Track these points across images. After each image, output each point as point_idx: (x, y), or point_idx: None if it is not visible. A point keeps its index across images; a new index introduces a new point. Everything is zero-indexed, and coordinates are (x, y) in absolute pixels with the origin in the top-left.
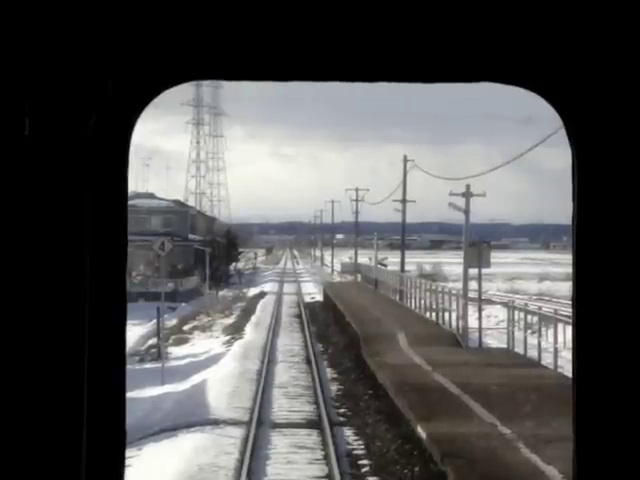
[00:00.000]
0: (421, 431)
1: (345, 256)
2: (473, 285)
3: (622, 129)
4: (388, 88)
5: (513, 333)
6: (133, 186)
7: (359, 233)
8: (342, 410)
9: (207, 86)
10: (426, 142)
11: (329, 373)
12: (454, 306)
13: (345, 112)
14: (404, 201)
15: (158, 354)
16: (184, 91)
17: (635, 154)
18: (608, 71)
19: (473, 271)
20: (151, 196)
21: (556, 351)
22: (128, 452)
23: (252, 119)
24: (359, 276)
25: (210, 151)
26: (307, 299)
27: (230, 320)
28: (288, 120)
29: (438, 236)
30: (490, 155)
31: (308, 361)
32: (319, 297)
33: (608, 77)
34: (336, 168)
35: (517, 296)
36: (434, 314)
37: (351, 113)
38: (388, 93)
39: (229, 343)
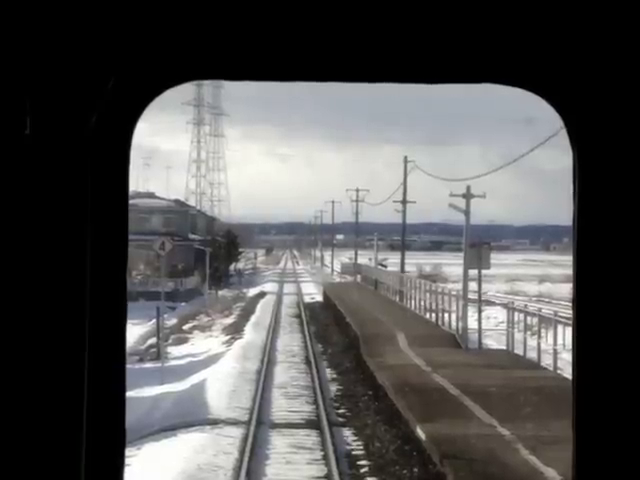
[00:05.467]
0: (420, 432)
1: (345, 257)
2: (473, 286)
3: (623, 129)
4: (387, 88)
5: (513, 334)
6: (134, 185)
7: (359, 234)
8: (341, 411)
9: (208, 86)
10: (425, 143)
11: (329, 373)
12: (454, 307)
13: (343, 112)
14: (404, 202)
15: (158, 354)
16: (185, 91)
17: (636, 154)
18: (609, 71)
19: (473, 272)
20: (151, 196)
21: (555, 353)
22: (127, 451)
23: (252, 119)
24: (359, 277)
25: (211, 151)
26: (307, 299)
27: (230, 320)
28: (287, 120)
29: (438, 237)
30: (489, 157)
31: (308, 361)
32: (319, 297)
33: (609, 77)
34: (336, 169)
35: (517, 297)
36: (434, 315)
37: (349, 113)
38: (387, 93)
39: (229, 343)
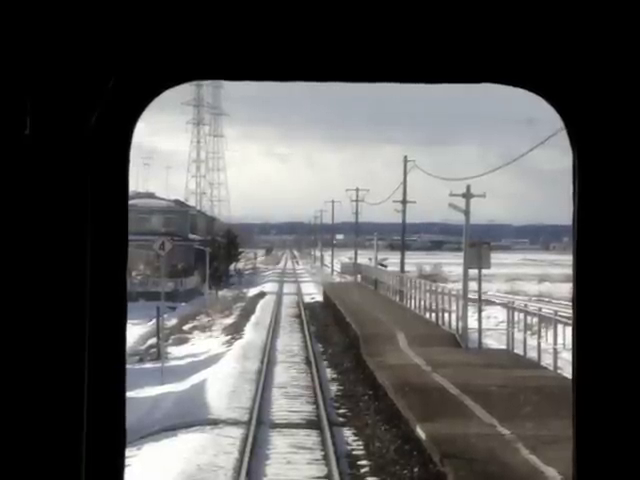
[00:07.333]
0: (420, 432)
1: (345, 256)
2: (473, 286)
3: (623, 130)
4: (387, 88)
5: (513, 334)
6: (133, 186)
7: (359, 233)
8: (342, 410)
9: (208, 86)
10: (425, 143)
11: (329, 373)
12: (454, 307)
13: (343, 112)
14: (404, 202)
15: (158, 354)
16: (184, 91)
17: (636, 155)
18: (609, 71)
19: (473, 272)
20: (151, 196)
21: (556, 352)
22: (127, 452)
23: (251, 119)
24: (359, 277)
25: (210, 151)
26: (307, 299)
27: (230, 320)
28: (287, 120)
29: (438, 237)
30: (488, 157)
31: (308, 361)
32: (319, 297)
33: (609, 78)
34: (335, 169)
35: (517, 297)
36: (434, 315)
37: (349, 113)
38: (387, 93)
39: (229, 343)
